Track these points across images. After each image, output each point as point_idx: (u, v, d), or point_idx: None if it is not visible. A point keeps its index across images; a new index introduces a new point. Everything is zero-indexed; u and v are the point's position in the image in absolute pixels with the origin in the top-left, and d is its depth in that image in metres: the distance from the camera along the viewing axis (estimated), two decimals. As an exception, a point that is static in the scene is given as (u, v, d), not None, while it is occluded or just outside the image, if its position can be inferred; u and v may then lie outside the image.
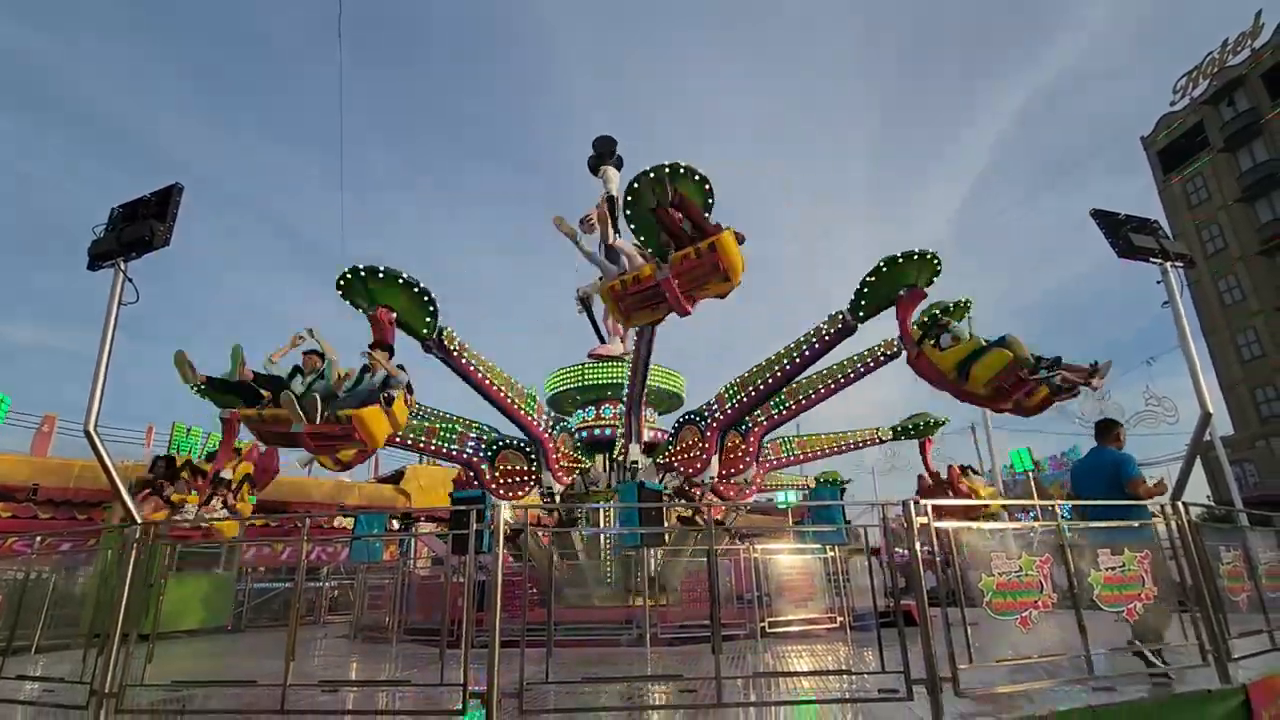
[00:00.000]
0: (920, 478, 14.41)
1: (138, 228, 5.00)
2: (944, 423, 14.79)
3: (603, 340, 13.25)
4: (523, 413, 10.17)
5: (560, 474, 10.73)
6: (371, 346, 6.85)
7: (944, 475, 14.07)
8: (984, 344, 7.15)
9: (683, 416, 11.52)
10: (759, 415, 11.21)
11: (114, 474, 4.70)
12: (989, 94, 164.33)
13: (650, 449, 12.26)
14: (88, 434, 4.62)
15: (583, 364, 13.09)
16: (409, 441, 10.67)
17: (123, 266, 4.97)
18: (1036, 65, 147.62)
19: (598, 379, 12.71)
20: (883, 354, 10.33)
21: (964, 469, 14.37)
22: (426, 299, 7.93)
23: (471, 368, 9.34)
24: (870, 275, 8.35)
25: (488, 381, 9.64)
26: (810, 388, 10.99)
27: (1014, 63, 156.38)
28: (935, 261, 8.07)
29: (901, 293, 8.17)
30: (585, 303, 12.79)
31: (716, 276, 6.68)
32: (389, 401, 6.24)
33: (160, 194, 5.24)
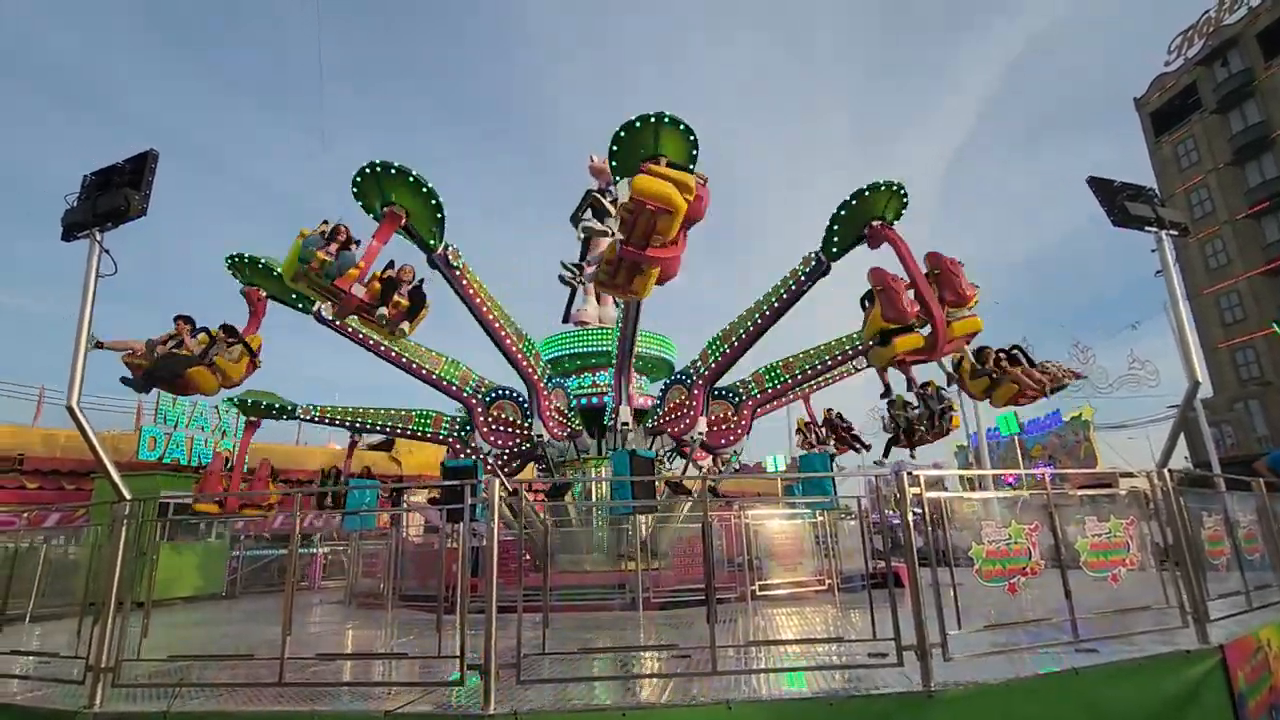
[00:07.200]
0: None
1: (112, 197, 4.82)
2: None
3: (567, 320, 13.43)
4: (518, 352, 10.09)
5: (552, 425, 10.72)
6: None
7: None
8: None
9: (669, 378, 11.56)
10: (753, 389, 11.31)
11: (99, 450, 4.62)
12: (977, 47, 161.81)
13: (639, 415, 12.28)
14: (70, 410, 4.53)
15: (577, 332, 13.02)
16: (414, 366, 10.55)
17: (98, 237, 4.81)
18: (1029, 17, 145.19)
19: (590, 346, 12.67)
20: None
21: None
22: (435, 203, 7.73)
23: (472, 292, 9.20)
24: (840, 209, 8.14)
25: (487, 310, 9.51)
26: (807, 363, 11.23)
27: (1009, 13, 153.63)
28: (902, 192, 7.85)
29: (873, 225, 7.86)
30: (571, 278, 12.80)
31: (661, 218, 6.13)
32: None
33: (134, 161, 5.04)
